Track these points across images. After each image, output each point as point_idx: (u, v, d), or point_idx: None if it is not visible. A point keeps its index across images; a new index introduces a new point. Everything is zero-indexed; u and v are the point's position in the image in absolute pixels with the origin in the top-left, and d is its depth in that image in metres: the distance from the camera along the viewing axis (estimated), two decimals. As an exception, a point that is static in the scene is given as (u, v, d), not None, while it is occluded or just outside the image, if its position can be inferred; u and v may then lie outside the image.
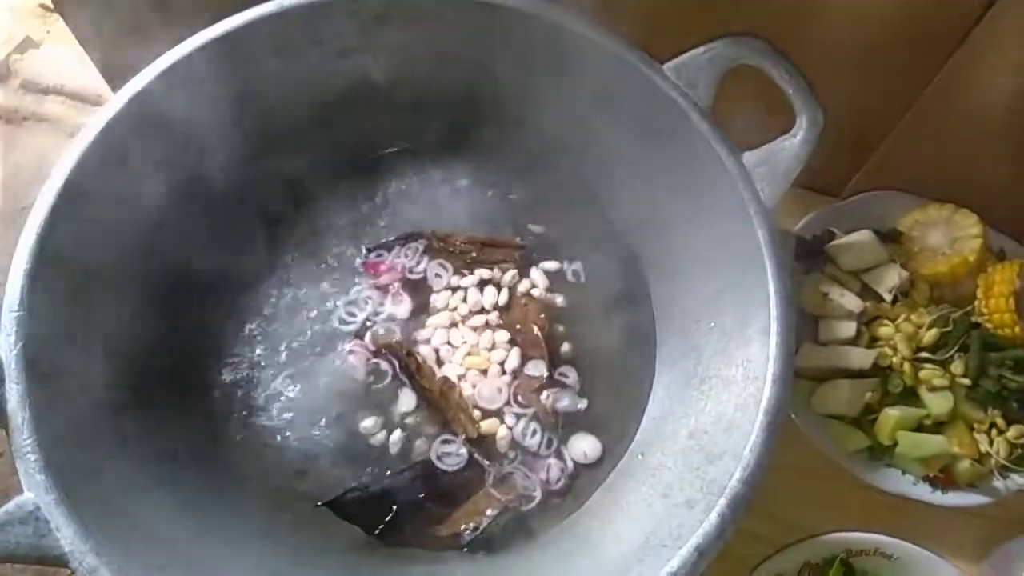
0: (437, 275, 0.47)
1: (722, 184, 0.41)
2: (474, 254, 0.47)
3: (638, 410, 0.45)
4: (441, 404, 0.43)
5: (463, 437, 0.43)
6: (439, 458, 0.43)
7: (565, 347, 0.46)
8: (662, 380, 0.45)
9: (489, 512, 0.41)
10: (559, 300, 0.47)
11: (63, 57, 0.76)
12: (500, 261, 0.47)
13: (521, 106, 0.48)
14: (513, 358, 0.44)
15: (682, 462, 0.40)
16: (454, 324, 0.46)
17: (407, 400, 0.44)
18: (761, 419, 0.36)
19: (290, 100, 0.46)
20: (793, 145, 0.40)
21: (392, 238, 0.48)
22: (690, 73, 0.42)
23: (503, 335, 0.45)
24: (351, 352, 0.44)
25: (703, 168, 0.42)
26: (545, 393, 0.44)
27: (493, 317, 0.46)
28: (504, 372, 0.44)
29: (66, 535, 0.32)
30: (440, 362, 0.45)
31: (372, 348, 0.44)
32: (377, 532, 0.41)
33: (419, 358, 0.44)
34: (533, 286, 0.47)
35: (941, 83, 0.48)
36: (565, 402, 0.44)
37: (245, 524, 0.39)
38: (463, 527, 0.41)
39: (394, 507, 0.41)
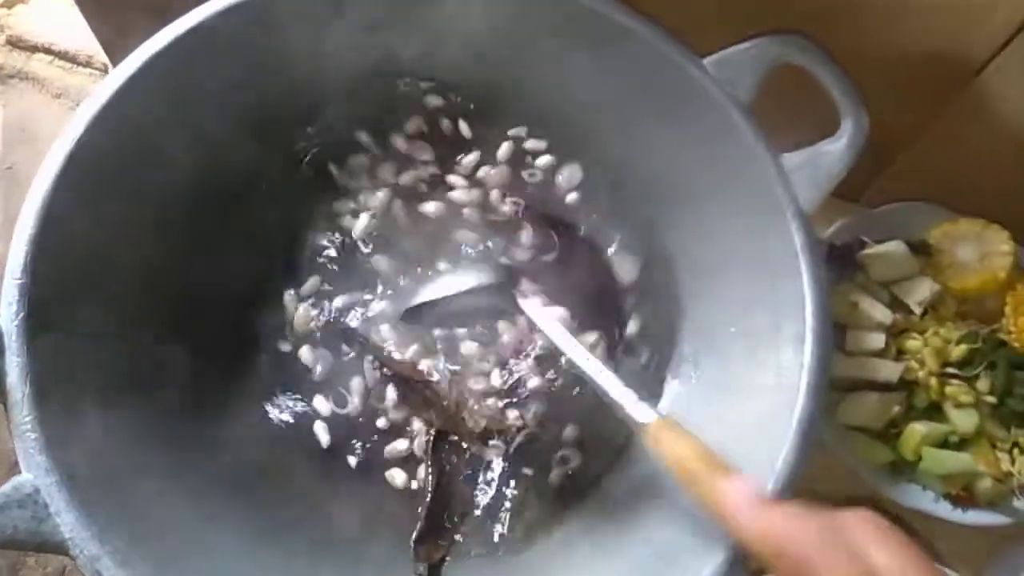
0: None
1: (760, 186, 0.40)
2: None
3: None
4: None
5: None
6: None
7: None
8: (683, 383, 0.44)
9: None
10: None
11: (53, 14, 0.73)
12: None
13: (551, 96, 0.46)
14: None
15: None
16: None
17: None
18: (795, 429, 0.35)
19: (317, 74, 0.43)
20: (837, 149, 0.39)
21: None
22: (731, 69, 0.40)
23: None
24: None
25: (740, 168, 0.40)
26: None
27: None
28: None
29: (67, 520, 0.30)
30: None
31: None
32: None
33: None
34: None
35: (969, 96, 0.48)
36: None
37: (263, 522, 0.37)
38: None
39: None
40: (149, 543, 0.31)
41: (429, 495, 0.39)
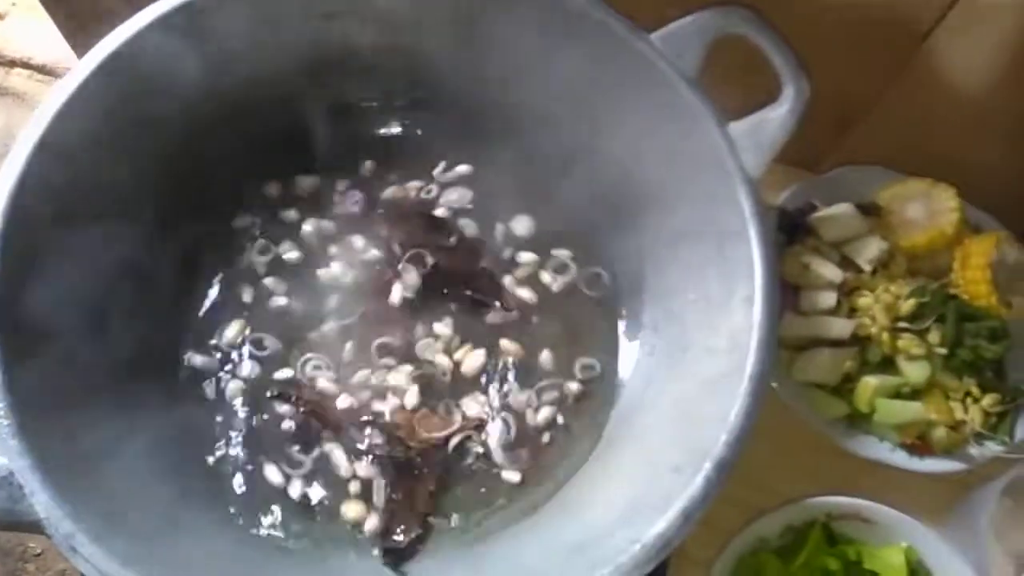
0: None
1: (708, 155, 0.41)
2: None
3: (616, 379, 0.45)
4: None
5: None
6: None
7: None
8: (644, 348, 0.46)
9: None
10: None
11: (30, 29, 0.73)
12: None
13: (505, 76, 0.47)
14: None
15: (667, 428, 0.40)
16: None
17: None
18: (747, 385, 0.36)
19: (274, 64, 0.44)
20: (779, 115, 0.41)
21: None
22: (677, 43, 0.41)
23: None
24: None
25: (689, 138, 0.42)
26: None
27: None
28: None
29: (41, 500, 0.31)
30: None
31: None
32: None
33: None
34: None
35: (920, 61, 0.49)
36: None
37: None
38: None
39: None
40: (122, 520, 0.32)
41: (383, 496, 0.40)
